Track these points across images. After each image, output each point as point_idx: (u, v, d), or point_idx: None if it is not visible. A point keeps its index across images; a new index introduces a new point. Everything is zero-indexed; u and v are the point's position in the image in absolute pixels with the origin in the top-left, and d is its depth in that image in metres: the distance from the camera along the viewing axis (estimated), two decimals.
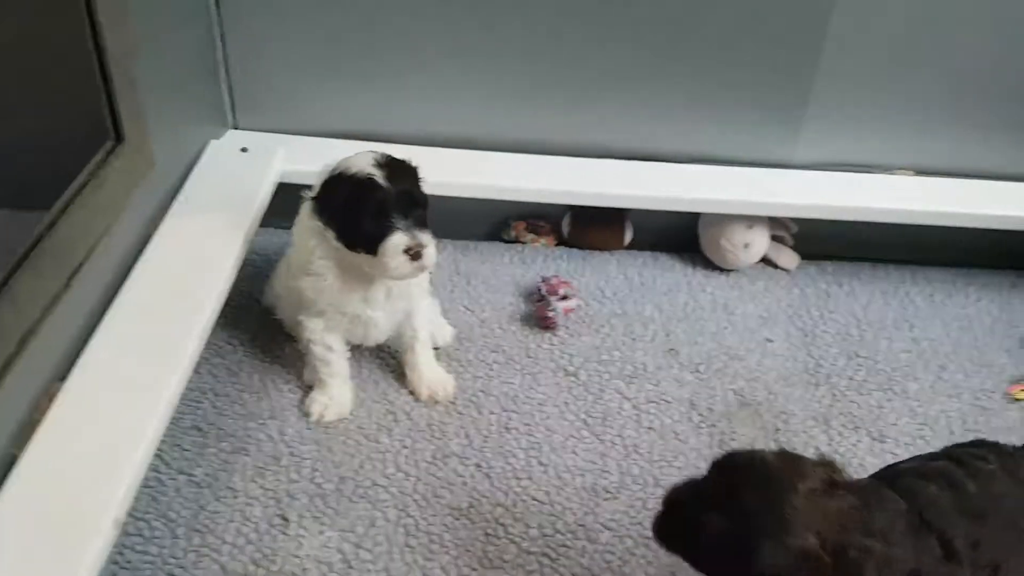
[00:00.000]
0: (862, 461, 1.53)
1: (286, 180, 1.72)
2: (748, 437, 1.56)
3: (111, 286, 1.40)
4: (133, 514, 1.34)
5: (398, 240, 1.38)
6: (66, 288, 1.24)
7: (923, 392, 1.68)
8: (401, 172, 1.41)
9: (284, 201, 1.61)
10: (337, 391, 1.56)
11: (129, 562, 1.30)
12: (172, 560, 1.30)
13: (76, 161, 1.30)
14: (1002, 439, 1.59)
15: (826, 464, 1.05)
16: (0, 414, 1.14)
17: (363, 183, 1.38)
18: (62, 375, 1.25)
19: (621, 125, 1.87)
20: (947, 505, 1.06)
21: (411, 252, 1.38)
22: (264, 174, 1.71)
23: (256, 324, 1.71)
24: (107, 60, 1.29)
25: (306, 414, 1.55)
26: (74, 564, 1.03)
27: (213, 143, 1.78)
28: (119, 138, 1.35)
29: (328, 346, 1.53)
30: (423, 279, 1.55)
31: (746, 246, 1.89)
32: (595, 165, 1.87)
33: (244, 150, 1.77)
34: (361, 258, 1.42)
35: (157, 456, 1.42)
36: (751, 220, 1.88)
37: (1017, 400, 1.68)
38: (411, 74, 1.81)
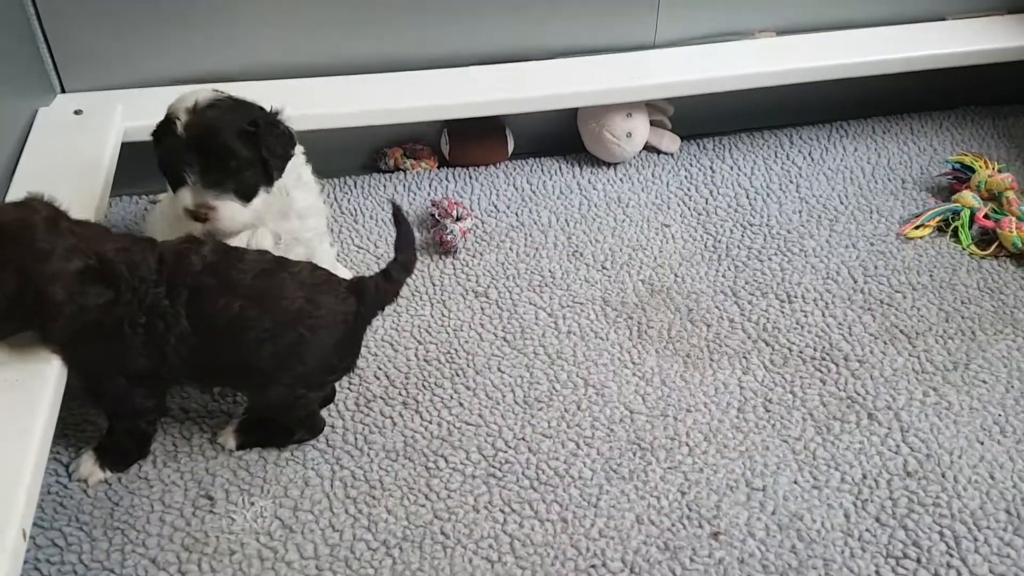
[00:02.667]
0: (775, 324, 1.56)
1: (131, 139, 1.57)
2: (664, 322, 1.56)
3: None
4: (40, 525, 1.23)
5: (182, 197, 1.27)
6: None
7: (820, 248, 1.72)
8: (211, 121, 1.25)
9: (135, 162, 1.48)
10: None
11: None
12: (95, 565, 1.20)
13: None
14: (902, 279, 1.66)
15: (45, 203, 1.14)
16: None
17: (163, 126, 1.27)
18: None
19: (481, 28, 1.79)
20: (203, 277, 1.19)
21: (193, 214, 1.27)
22: (105, 136, 1.56)
23: None
24: None
25: None
26: None
27: (42, 111, 1.60)
28: None
29: None
30: (317, 223, 1.44)
31: (629, 135, 1.86)
32: (464, 74, 1.79)
33: (78, 112, 1.60)
34: None
35: (53, 459, 1.30)
36: (630, 108, 1.86)
37: (910, 239, 1.74)
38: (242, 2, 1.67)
